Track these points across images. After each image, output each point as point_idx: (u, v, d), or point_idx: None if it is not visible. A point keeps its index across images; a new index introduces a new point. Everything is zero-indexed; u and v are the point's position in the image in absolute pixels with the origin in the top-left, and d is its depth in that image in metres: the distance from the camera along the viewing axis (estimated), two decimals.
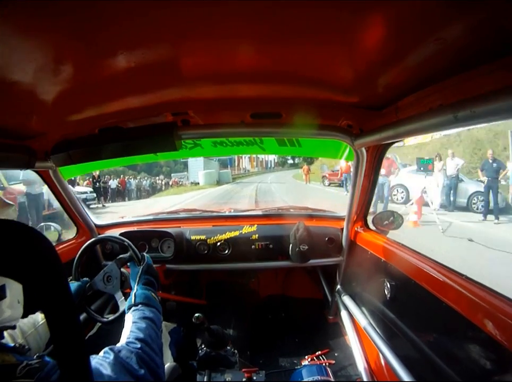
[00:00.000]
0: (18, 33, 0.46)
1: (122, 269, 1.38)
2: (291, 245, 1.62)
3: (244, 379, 1.19)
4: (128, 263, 1.06)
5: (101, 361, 0.58)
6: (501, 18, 0.45)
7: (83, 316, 1.58)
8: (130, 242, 1.39)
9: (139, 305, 0.80)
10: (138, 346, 0.66)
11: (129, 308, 0.82)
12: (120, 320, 1.50)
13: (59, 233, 1.74)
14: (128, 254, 1.18)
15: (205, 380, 1.18)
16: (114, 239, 1.44)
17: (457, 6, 0.43)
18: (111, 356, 0.60)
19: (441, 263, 0.94)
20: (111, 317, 1.24)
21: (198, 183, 22.17)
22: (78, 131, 1.08)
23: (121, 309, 1.20)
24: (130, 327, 0.73)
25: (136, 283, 0.91)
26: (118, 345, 0.67)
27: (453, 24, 0.48)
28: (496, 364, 0.67)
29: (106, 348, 0.63)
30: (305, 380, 1.21)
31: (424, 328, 0.95)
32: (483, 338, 0.67)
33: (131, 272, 0.99)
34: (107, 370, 0.56)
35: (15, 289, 0.53)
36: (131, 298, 0.85)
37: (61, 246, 1.54)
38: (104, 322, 1.25)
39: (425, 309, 0.94)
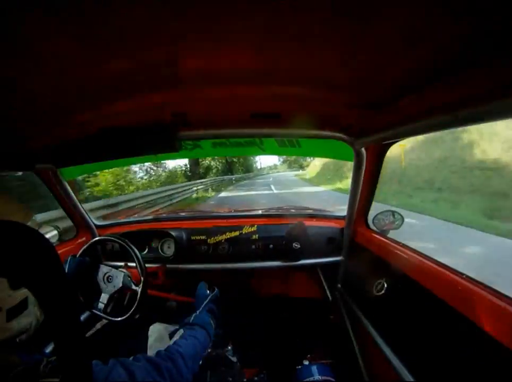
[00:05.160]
0: (17, 33, 0.46)
1: (123, 270, 1.40)
2: (284, 242, 1.62)
3: (244, 379, 1.19)
4: (199, 286, 1.10)
5: (132, 363, 0.62)
6: (501, 17, 0.44)
7: (84, 316, 1.59)
8: (131, 244, 1.40)
9: (195, 326, 0.85)
10: (174, 356, 0.71)
11: (184, 324, 0.87)
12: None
13: (60, 233, 1.74)
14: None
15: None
16: (115, 239, 1.45)
17: (456, 6, 0.43)
18: (143, 360, 0.64)
19: (442, 263, 0.94)
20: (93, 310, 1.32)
21: None
22: (77, 132, 1.08)
23: (94, 309, 1.31)
24: (177, 339, 0.78)
25: (202, 306, 0.96)
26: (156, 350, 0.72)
27: (453, 24, 0.48)
28: (496, 363, 0.67)
29: (138, 355, 0.67)
30: (305, 380, 1.21)
31: (425, 327, 0.95)
32: (484, 338, 0.67)
33: (200, 294, 1.03)
34: (137, 371, 0.60)
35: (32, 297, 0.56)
36: (191, 317, 0.90)
37: (61, 247, 1.55)
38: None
39: (426, 308, 0.94)
